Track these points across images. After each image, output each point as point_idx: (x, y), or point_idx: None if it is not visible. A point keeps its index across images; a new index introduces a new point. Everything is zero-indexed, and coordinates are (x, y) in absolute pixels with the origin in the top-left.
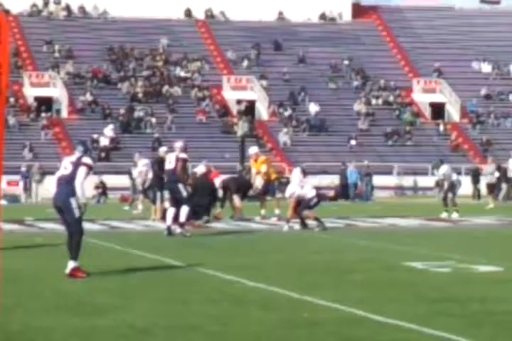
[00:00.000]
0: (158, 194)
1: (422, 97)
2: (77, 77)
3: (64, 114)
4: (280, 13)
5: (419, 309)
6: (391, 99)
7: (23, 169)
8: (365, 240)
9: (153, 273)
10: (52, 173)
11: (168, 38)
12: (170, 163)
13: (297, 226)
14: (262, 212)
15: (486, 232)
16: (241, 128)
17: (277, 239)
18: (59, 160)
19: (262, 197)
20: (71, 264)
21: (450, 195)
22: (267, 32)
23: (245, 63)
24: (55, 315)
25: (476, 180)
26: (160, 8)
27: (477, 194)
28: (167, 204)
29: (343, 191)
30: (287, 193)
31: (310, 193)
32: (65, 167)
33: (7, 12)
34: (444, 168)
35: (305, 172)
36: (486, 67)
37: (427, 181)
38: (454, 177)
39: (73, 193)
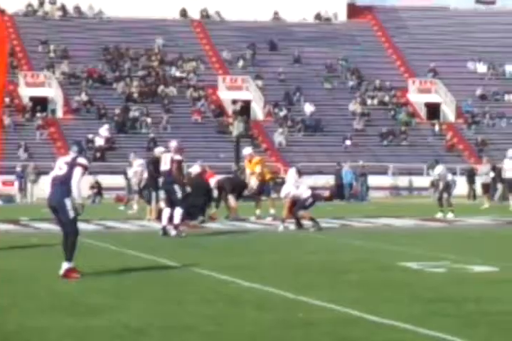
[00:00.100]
0: (154, 194)
1: (417, 97)
2: (73, 77)
3: (59, 113)
4: (275, 13)
5: (414, 309)
6: (386, 99)
7: (18, 169)
8: (361, 240)
9: (148, 274)
10: (47, 173)
11: (164, 38)
12: (165, 165)
13: (292, 227)
14: (257, 212)
15: (481, 232)
16: (236, 128)
17: (272, 239)
18: (54, 160)
19: (256, 197)
20: (65, 265)
21: (445, 195)
22: (263, 32)
23: (241, 63)
24: (50, 315)
25: (471, 180)
26: (155, 8)
27: (473, 194)
28: (162, 204)
29: (338, 191)
30: (282, 193)
31: (305, 193)
32: (60, 167)
33: (2, 12)
34: (439, 168)
35: (300, 173)
36: (481, 68)
37: (422, 181)
38: (449, 177)
39: (68, 194)
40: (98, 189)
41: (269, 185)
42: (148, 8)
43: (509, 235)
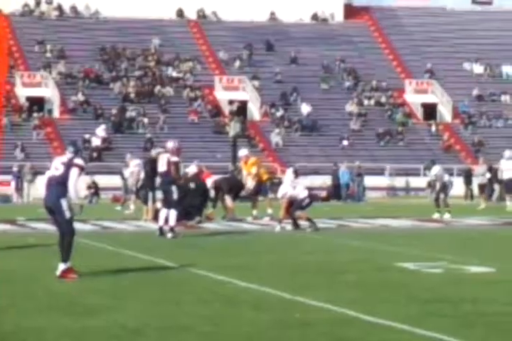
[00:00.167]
0: (150, 194)
1: (414, 98)
2: (69, 77)
3: (56, 114)
4: (272, 14)
5: (411, 310)
6: (383, 99)
7: (15, 169)
8: (358, 241)
9: (145, 274)
10: (44, 173)
11: (160, 38)
12: (162, 166)
13: (289, 227)
14: (254, 212)
15: (478, 233)
16: (233, 128)
17: (269, 239)
18: (51, 160)
19: (253, 197)
20: (61, 266)
21: (442, 196)
22: (259, 32)
23: (237, 63)
24: (47, 315)
25: (468, 181)
26: (152, 9)
27: (470, 194)
28: (159, 204)
29: (335, 192)
30: (279, 194)
31: (302, 194)
32: (56, 167)
33: None
34: (436, 169)
35: (297, 173)
36: (478, 68)
37: (419, 182)
38: (446, 177)
39: (64, 194)
40: (95, 189)
41: (267, 186)
42: (145, 8)
43: (506, 236)
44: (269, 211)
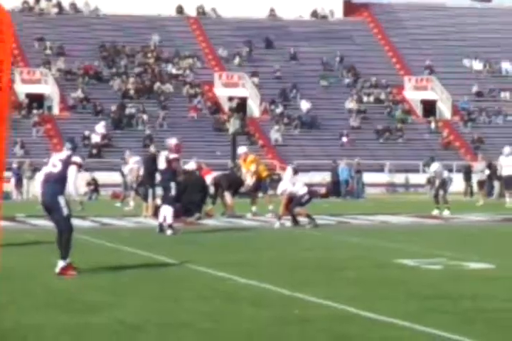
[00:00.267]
0: (150, 191)
1: (413, 95)
2: (69, 73)
3: (55, 110)
4: (272, 11)
5: (410, 306)
6: (382, 96)
7: (15, 166)
8: (357, 237)
9: (144, 270)
10: None
11: (160, 35)
12: (162, 163)
13: (288, 223)
14: (253, 208)
15: (477, 229)
16: (232, 125)
17: (269, 236)
18: (50, 156)
19: (252, 194)
20: (60, 263)
21: (441, 192)
22: (259, 29)
23: (237, 60)
24: (46, 312)
25: (467, 177)
26: (151, 5)
27: (470, 191)
28: (159, 201)
29: (335, 188)
30: (279, 190)
31: (301, 190)
32: (54, 164)
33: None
34: (436, 165)
35: (296, 171)
36: (477, 65)
37: (418, 178)
38: (445, 174)
39: (61, 191)
40: (95, 186)
41: (266, 182)
42: (145, 4)
43: (506, 232)
44: (270, 207)
